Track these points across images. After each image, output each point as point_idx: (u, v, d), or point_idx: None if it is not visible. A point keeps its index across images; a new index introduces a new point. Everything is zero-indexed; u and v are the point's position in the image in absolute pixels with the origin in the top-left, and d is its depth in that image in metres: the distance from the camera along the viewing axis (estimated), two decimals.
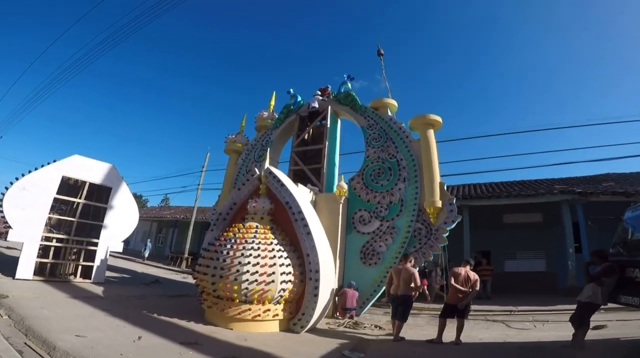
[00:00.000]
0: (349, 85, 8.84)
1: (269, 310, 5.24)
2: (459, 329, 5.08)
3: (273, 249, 5.47)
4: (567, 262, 9.35)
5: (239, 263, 5.17)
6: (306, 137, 9.29)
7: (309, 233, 5.66)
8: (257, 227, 5.82)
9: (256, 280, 5.15)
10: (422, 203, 6.90)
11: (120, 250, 9.48)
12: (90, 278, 8.56)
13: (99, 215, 9.31)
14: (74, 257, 8.90)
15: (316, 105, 8.83)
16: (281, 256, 5.45)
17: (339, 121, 9.18)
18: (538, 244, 11.07)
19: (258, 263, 5.21)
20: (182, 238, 23.55)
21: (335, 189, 7.44)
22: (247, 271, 5.12)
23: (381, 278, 6.76)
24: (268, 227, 5.90)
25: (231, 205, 6.78)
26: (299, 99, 9.49)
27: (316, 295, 5.43)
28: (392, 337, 5.26)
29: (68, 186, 8.94)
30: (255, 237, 5.56)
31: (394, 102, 8.12)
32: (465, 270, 5.21)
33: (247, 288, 5.12)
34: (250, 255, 5.25)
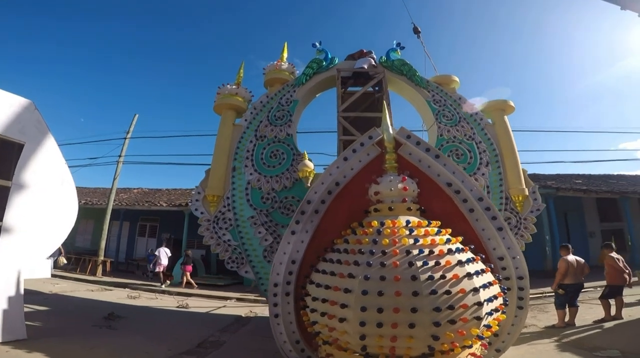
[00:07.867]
0: (399, 53, 7.35)
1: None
2: (621, 306, 6.01)
3: (480, 259, 3.72)
4: (544, 248, 11.64)
5: (474, 290, 3.19)
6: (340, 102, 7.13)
7: (501, 228, 4.14)
8: (429, 224, 3.84)
9: (493, 310, 3.36)
10: (507, 191, 6.49)
11: (48, 275, 4.62)
12: None
13: None
14: None
15: (365, 66, 6.88)
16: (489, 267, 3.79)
17: None
18: None
19: (488, 284, 3.40)
20: (74, 232, 15.97)
21: None
22: (485, 300, 3.24)
23: None
24: (439, 223, 3.99)
25: (331, 185, 4.22)
26: (329, 54, 7.19)
27: (522, 308, 4.10)
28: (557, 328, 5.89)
29: None
30: (449, 241, 3.62)
31: (458, 80, 7.29)
32: (617, 255, 6.06)
33: (485, 327, 3.27)
34: (474, 272, 3.35)
